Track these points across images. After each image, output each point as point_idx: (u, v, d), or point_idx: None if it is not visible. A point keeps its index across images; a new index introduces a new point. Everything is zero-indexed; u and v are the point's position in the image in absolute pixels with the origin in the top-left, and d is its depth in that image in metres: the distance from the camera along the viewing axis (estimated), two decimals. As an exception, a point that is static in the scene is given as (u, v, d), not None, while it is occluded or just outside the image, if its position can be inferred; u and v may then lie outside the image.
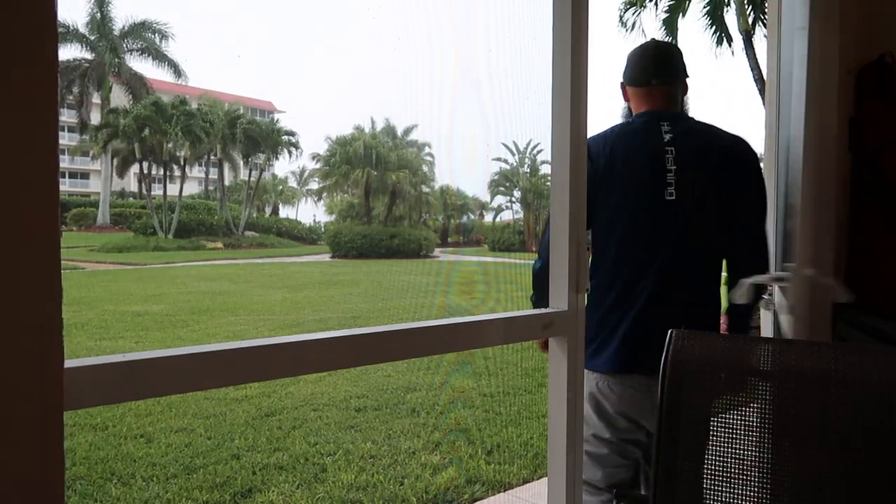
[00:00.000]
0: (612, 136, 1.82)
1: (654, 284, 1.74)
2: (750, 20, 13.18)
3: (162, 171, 24.81)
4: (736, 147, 1.80)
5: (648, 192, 1.75)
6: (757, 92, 13.37)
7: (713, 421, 1.21)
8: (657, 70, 1.85)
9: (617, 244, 1.78)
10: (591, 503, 1.80)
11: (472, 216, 28.72)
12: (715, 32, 14.04)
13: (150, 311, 9.02)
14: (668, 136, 1.77)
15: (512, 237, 24.76)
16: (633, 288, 1.75)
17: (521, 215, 27.49)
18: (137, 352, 0.82)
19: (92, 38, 24.92)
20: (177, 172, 25.63)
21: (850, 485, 1.12)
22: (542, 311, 1.42)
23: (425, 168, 27.72)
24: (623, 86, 1.92)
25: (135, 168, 25.53)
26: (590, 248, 1.45)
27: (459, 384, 5.62)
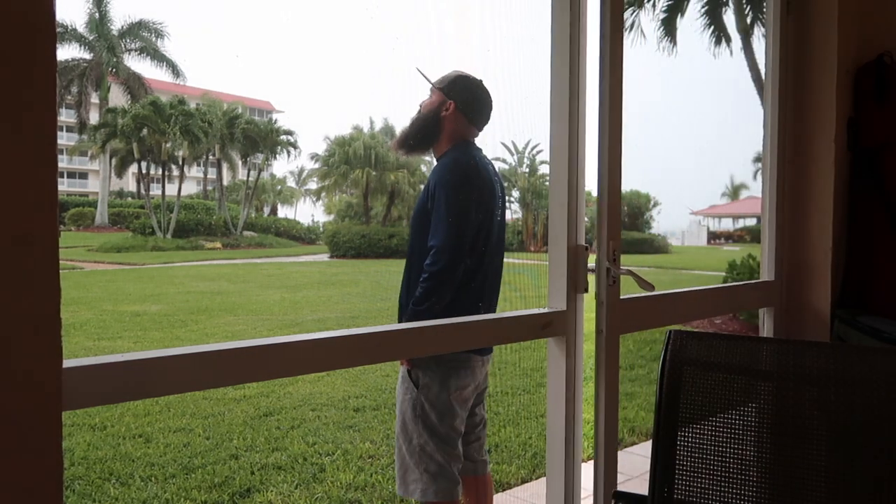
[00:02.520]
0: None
1: None
2: (748, 20, 13.14)
3: (160, 171, 24.74)
4: None
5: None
6: (756, 92, 13.36)
7: (712, 420, 1.21)
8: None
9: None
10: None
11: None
12: (714, 32, 14.00)
13: (148, 311, 9.00)
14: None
15: (511, 237, 24.75)
16: None
17: (519, 215, 27.43)
18: (136, 352, 0.82)
19: (90, 37, 24.86)
20: (175, 172, 25.55)
21: (849, 483, 1.12)
22: (541, 310, 1.41)
23: (424, 168, 27.68)
24: (452, 105, 1.89)
25: (133, 168, 25.43)
26: (589, 247, 1.45)
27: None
